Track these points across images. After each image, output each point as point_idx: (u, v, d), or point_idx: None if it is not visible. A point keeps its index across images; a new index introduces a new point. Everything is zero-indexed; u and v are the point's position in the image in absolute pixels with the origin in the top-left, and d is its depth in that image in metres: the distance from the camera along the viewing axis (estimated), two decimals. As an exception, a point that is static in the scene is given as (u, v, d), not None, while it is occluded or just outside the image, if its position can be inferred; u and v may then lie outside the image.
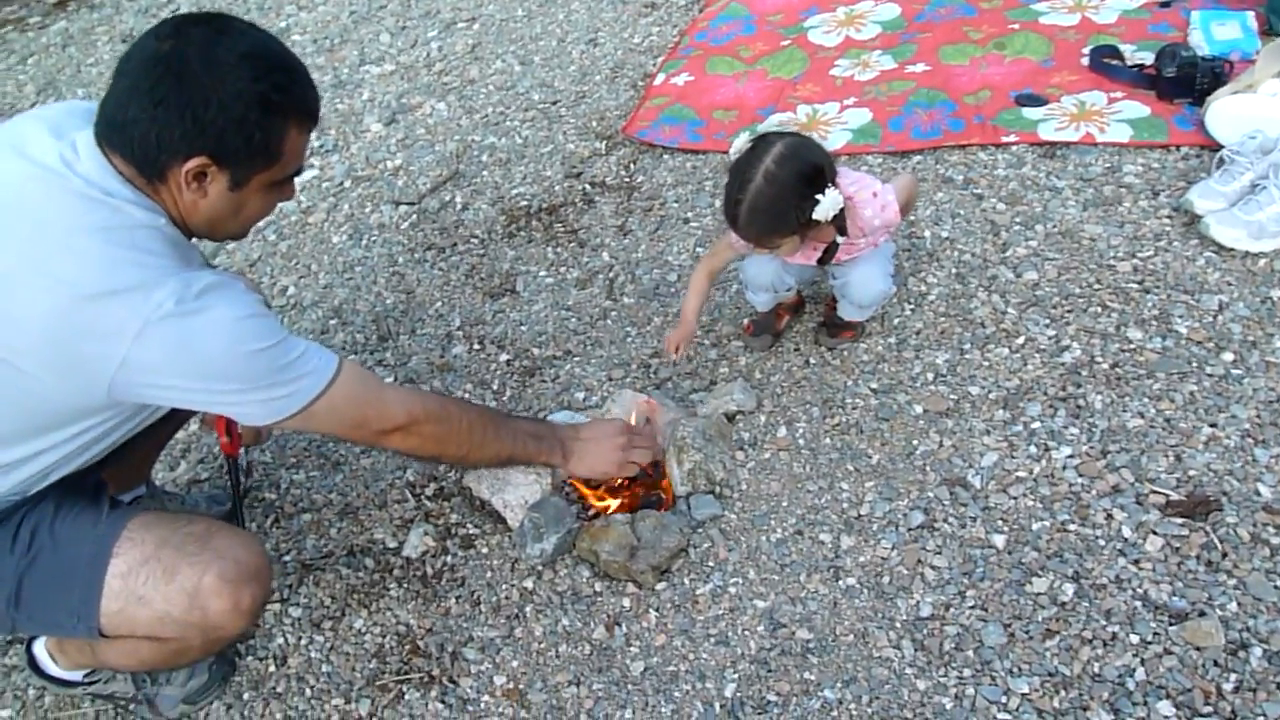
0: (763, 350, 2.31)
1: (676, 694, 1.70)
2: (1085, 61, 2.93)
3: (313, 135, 3.35)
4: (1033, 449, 1.95)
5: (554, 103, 3.40)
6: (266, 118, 1.37)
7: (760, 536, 1.93)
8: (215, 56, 1.33)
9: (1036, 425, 1.99)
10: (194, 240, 1.53)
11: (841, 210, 1.86)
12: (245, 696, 1.83)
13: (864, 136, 2.87)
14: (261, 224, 3.04)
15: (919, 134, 2.82)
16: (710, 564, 1.90)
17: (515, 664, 1.80)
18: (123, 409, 1.44)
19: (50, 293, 1.29)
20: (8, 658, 1.93)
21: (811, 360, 2.27)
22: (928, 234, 2.50)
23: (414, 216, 3.00)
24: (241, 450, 1.87)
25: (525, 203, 2.95)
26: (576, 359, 2.41)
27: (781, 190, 1.81)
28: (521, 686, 1.76)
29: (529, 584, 1.93)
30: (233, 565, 1.52)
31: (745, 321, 2.36)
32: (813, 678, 1.68)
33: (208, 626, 1.52)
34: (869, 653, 1.70)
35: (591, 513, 2.02)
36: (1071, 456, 1.92)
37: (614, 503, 2.02)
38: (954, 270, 2.39)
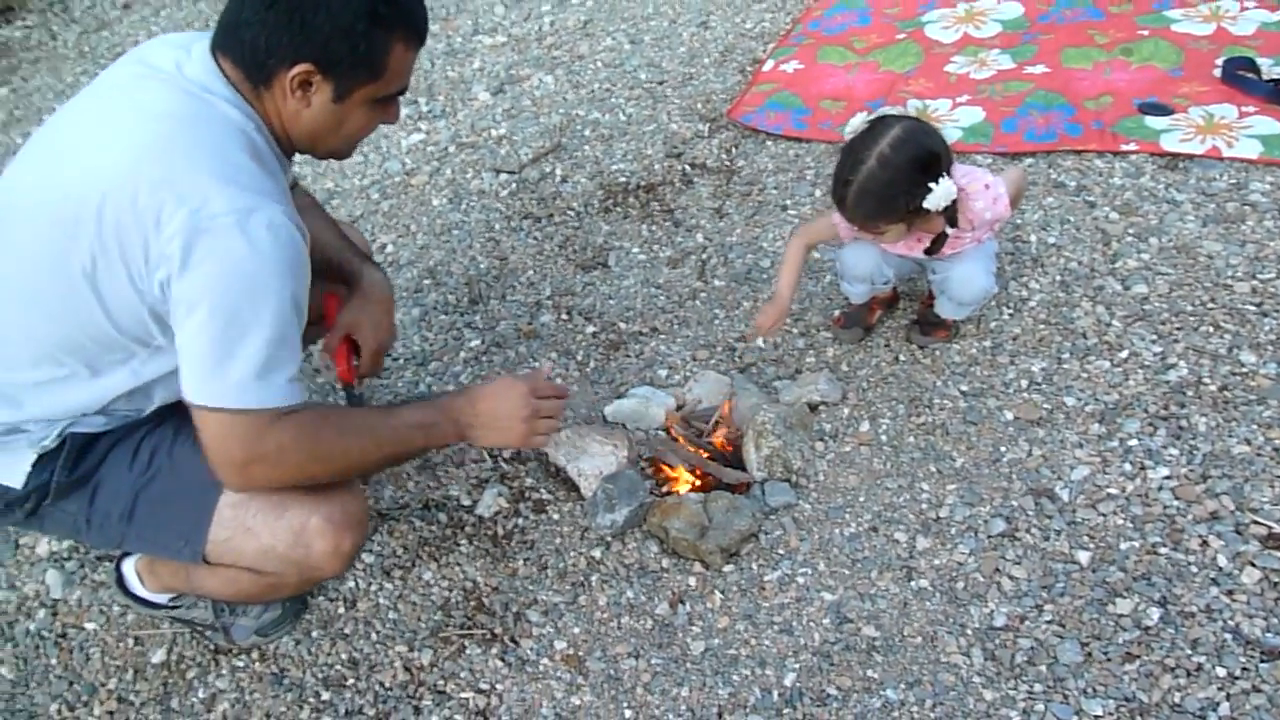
0: (852, 343, 2.26)
1: (735, 677, 1.69)
2: (1218, 73, 2.79)
3: (423, 101, 3.41)
4: (1128, 466, 1.88)
5: (660, 82, 3.40)
6: (373, 30, 1.37)
7: (833, 529, 1.90)
8: None
9: (1134, 443, 1.91)
10: (295, 156, 1.54)
11: (953, 201, 1.81)
12: (314, 634, 1.88)
13: (975, 135, 2.79)
14: (365, 181, 3.13)
15: (1032, 136, 2.73)
16: (780, 552, 1.88)
17: (577, 630, 1.81)
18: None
19: (126, 153, 1.33)
20: (98, 573, 2.02)
21: (901, 357, 2.22)
22: (1033, 239, 2.42)
23: (513, 185, 3.03)
24: (359, 380, 1.89)
25: (624, 179, 2.96)
26: (663, 336, 2.40)
27: (895, 175, 1.77)
28: (581, 654, 1.77)
29: (597, 553, 1.93)
30: (339, 509, 1.56)
31: (836, 313, 2.32)
32: (875, 676, 1.65)
33: (307, 565, 1.57)
34: (936, 657, 1.66)
35: (666, 489, 2.01)
36: (1169, 478, 1.83)
37: (690, 479, 2.01)
38: (1058, 278, 2.31)
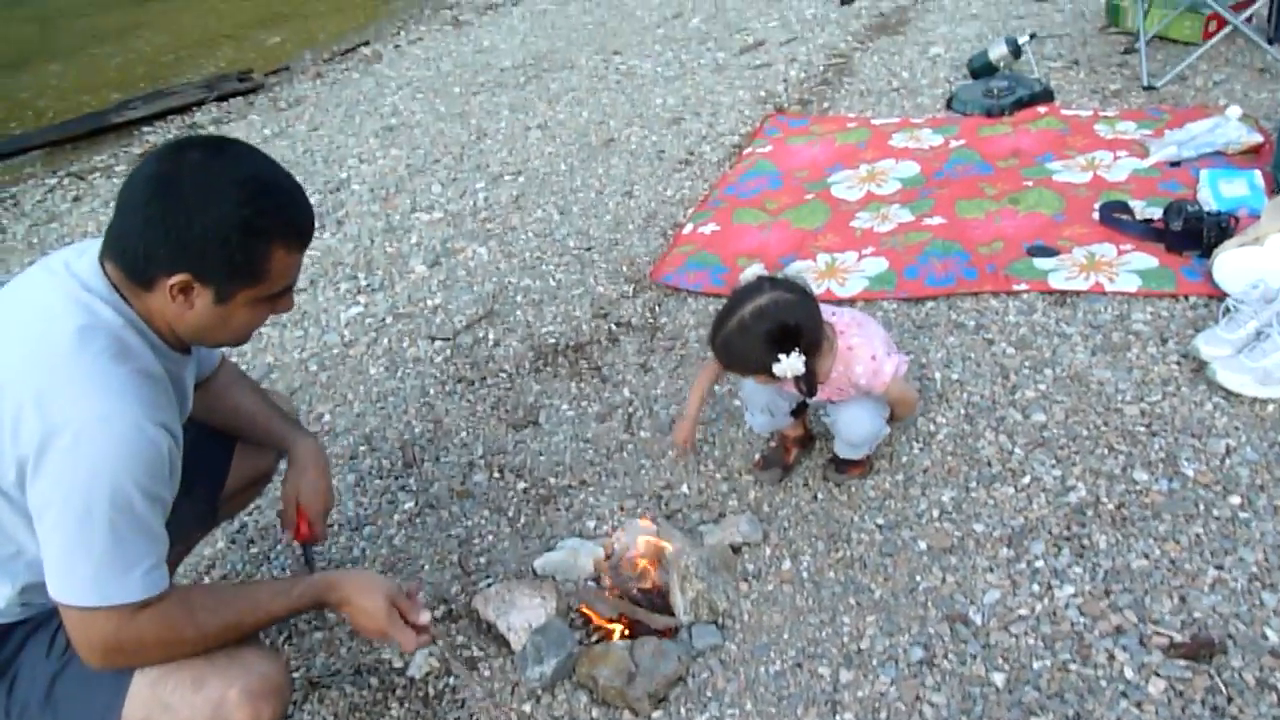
0: (772, 484, 2.35)
1: (665, 827, 1.67)
2: (1096, 216, 3.04)
3: (362, 276, 3.54)
4: (1035, 587, 1.94)
5: (588, 249, 3.59)
6: (249, 240, 1.43)
7: (759, 668, 1.92)
8: (206, 179, 1.41)
9: (1040, 564, 1.99)
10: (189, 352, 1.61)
11: (808, 373, 1.95)
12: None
13: (880, 283, 2.97)
14: (305, 354, 3.23)
15: (933, 281, 2.92)
16: (708, 694, 1.89)
17: (507, 790, 1.79)
18: None
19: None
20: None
21: (819, 495, 2.30)
22: (938, 376, 2.56)
23: (448, 351, 3.14)
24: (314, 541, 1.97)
25: (554, 340, 3.09)
26: (591, 489, 2.47)
27: (750, 341, 1.95)
28: (511, 813, 1.75)
29: (527, 708, 1.93)
30: (258, 679, 1.56)
31: (756, 456, 2.41)
32: (804, 815, 1.64)
33: None
34: (863, 791, 1.66)
35: (595, 639, 2.03)
36: (1075, 595, 1.90)
37: (618, 627, 2.03)
38: (963, 411, 2.43)
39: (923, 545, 2.10)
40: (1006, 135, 3.68)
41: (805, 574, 2.11)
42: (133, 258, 1.44)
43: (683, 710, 1.87)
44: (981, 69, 4.19)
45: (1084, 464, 2.19)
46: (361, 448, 2.79)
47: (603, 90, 5.14)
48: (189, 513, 1.88)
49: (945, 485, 2.23)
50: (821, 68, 4.86)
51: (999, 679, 1.79)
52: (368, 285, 3.64)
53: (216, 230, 1.41)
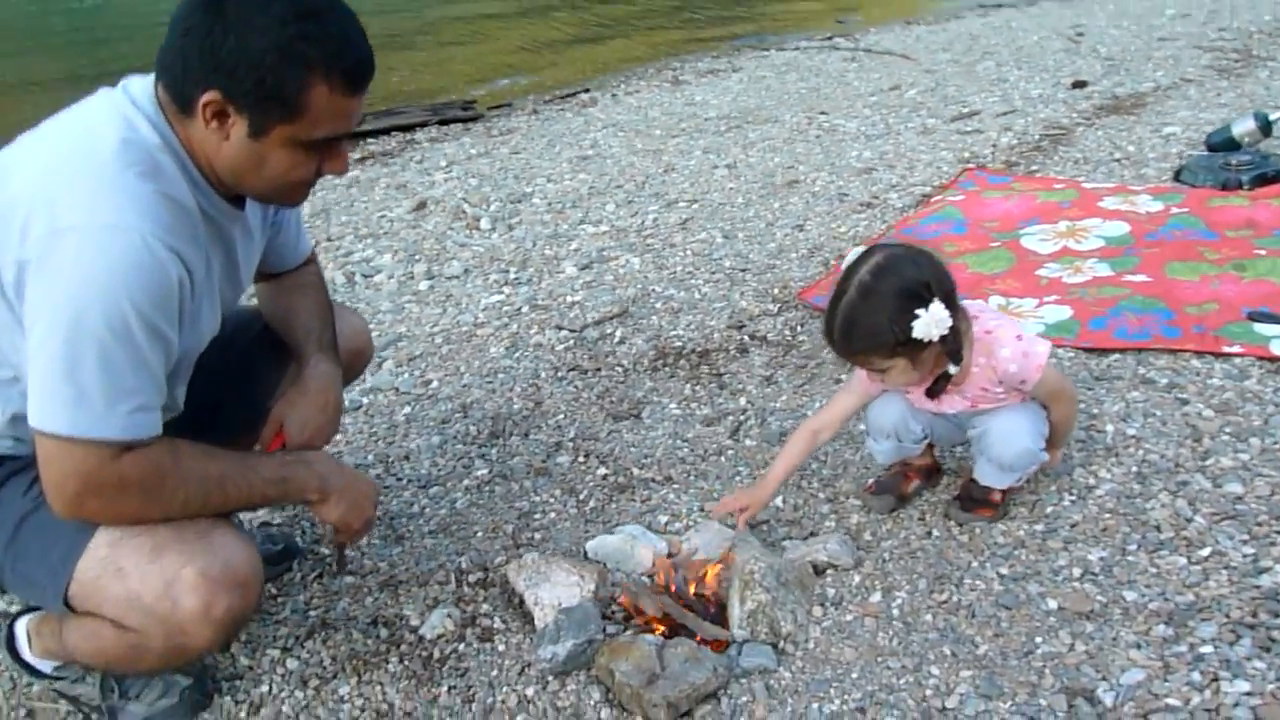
0: (882, 512, 1.98)
1: None
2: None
3: (514, 270, 3.45)
4: (1196, 675, 1.48)
5: (742, 270, 3.36)
6: (284, 64, 1.29)
7: (812, 703, 1.55)
8: None
9: (1207, 649, 1.52)
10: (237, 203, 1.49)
11: (954, 332, 1.60)
12: (205, 734, 1.65)
13: (1059, 330, 2.55)
14: (435, 329, 3.14)
15: (1124, 334, 2.47)
16: (742, 719, 1.54)
17: (482, 774, 1.51)
18: None
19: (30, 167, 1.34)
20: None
21: (935, 532, 1.92)
22: (1110, 429, 2.12)
23: (571, 341, 2.97)
24: None
25: (680, 343, 2.85)
26: (675, 486, 2.18)
27: (878, 304, 1.60)
28: (479, 801, 1.46)
29: (530, 691, 1.65)
30: (219, 565, 1.40)
31: (869, 480, 2.05)
32: None
33: (172, 625, 1.39)
34: None
35: (627, 631, 1.73)
36: (1250, 694, 1.42)
37: (658, 627, 1.72)
38: (1135, 469, 1.98)
39: (1052, 604, 1.67)
40: (1242, 207, 3.16)
41: (896, 611, 1.72)
42: (173, 74, 1.35)
43: (706, 730, 1.53)
44: (1222, 144, 3.68)
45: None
46: (456, 414, 2.64)
47: (799, 141, 4.95)
48: (233, 412, 1.77)
49: (1096, 544, 1.79)
50: (1037, 136, 4.46)
51: (1123, 776, 1.34)
52: (516, 278, 3.56)
53: (251, 46, 1.28)
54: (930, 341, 1.59)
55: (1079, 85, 5.29)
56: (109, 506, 1.37)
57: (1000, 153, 4.30)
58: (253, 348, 1.85)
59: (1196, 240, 2.94)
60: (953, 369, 1.69)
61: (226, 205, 1.48)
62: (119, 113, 1.37)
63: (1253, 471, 1.91)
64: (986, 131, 4.67)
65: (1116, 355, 2.42)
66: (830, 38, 8.07)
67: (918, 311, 1.57)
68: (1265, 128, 3.61)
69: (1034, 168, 4.02)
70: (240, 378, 1.82)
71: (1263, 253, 2.79)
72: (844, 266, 1.69)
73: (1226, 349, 2.32)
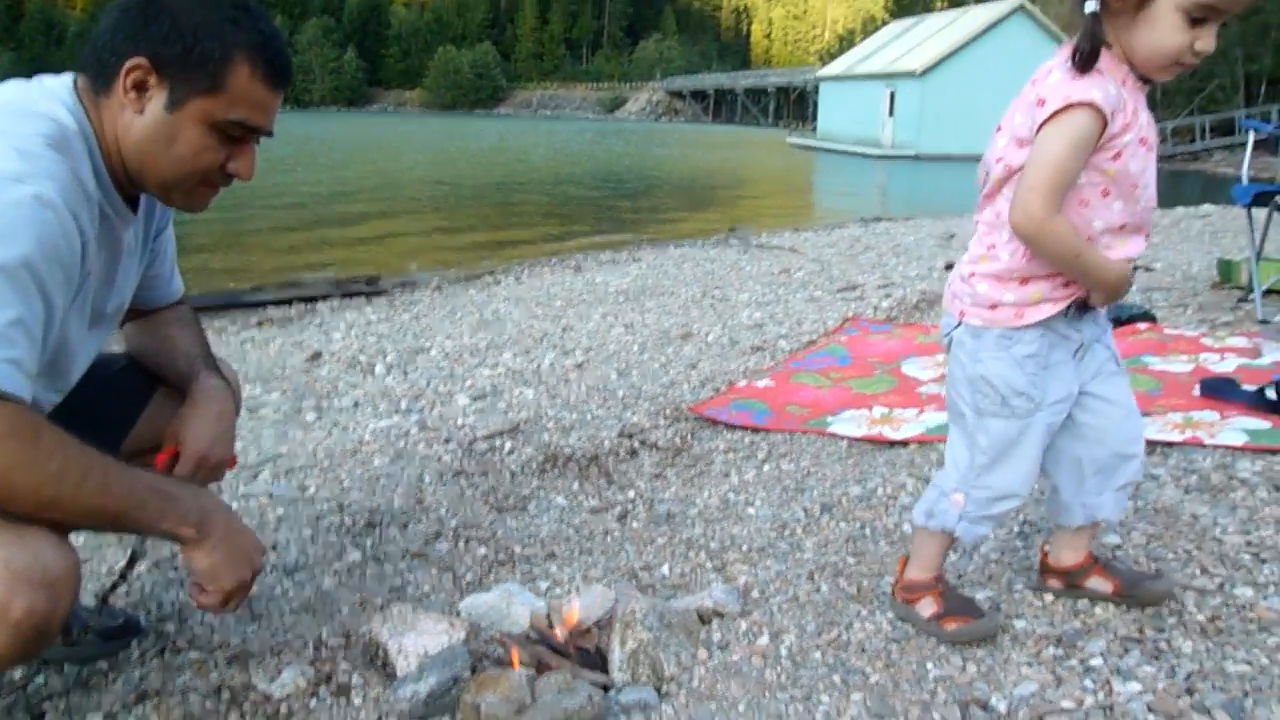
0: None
1: None
2: (1196, 391, 2.65)
3: (405, 402, 3.39)
4: (1089, 683, 1.43)
5: (636, 397, 3.38)
6: (212, 37, 1.35)
7: (696, 732, 1.43)
8: None
9: (1097, 661, 1.48)
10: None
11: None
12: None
13: (939, 430, 2.61)
14: (317, 447, 3.03)
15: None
16: (620, 752, 1.40)
17: (322, 818, 1.31)
18: None
19: None
20: None
21: (824, 587, 1.86)
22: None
23: (459, 452, 2.90)
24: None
25: (570, 451, 2.81)
26: (558, 560, 2.09)
27: None
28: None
29: (386, 737, 1.48)
30: (29, 559, 1.24)
31: (929, 605, 1.64)
32: None
33: None
34: None
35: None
36: (1144, 692, 1.38)
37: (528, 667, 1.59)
38: (1016, 529, 1.98)
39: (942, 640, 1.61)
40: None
41: (785, 651, 1.63)
42: (96, 49, 1.37)
43: (581, 762, 1.38)
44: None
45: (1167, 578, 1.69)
46: (331, 512, 2.50)
47: (694, 308, 5.16)
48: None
49: (983, 587, 1.76)
50: (914, 300, 4.75)
51: (1020, 771, 1.25)
52: (406, 409, 3.50)
53: (183, 19, 1.34)
54: None
55: (950, 267, 5.71)
56: (13, 445, 1.20)
57: (881, 311, 4.55)
58: (114, 381, 1.75)
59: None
60: None
61: (122, 205, 1.46)
62: (31, 100, 1.36)
63: (1129, 527, 1.94)
64: (869, 298, 4.95)
65: (994, 445, 2.48)
66: (725, 238, 8.60)
67: None
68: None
69: (912, 319, 4.25)
70: (103, 412, 1.71)
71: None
72: None
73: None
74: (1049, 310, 1.47)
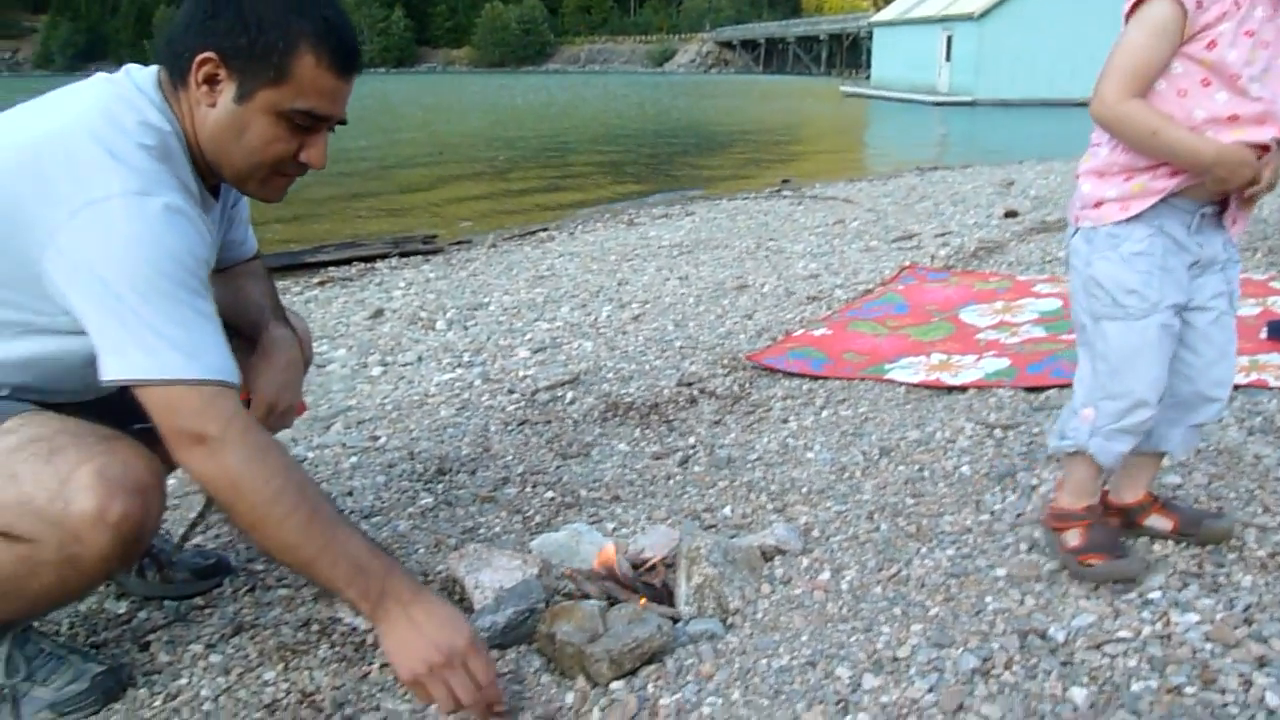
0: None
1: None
2: (1263, 334, 2.61)
3: (468, 354, 3.50)
4: (1146, 614, 1.45)
5: (693, 348, 3.43)
6: (276, 28, 1.37)
7: (761, 660, 1.49)
8: None
9: (1156, 594, 1.50)
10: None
11: None
12: None
13: (998, 375, 2.63)
14: (385, 400, 3.13)
15: (1060, 374, 2.54)
16: (688, 678, 1.47)
17: (411, 737, 1.41)
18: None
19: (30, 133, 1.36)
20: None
21: (884, 526, 1.90)
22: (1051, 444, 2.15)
23: (522, 404, 2.98)
24: None
25: (630, 400, 2.87)
26: (623, 504, 2.16)
27: None
28: (407, 762, 1.36)
29: (467, 663, 1.56)
30: (120, 467, 1.34)
31: (1075, 536, 1.60)
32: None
33: (65, 529, 1.32)
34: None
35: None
36: (1201, 622, 1.40)
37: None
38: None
39: (1001, 572, 1.65)
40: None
41: (845, 586, 1.69)
42: (170, 43, 1.42)
43: (650, 687, 1.45)
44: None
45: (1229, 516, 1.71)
46: (402, 460, 2.60)
47: (748, 260, 5.17)
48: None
49: (1040, 527, 1.79)
50: (972, 249, 4.71)
51: (1079, 695, 1.29)
52: (469, 362, 3.59)
53: (247, 11, 1.37)
54: None
55: (1011, 215, 5.63)
56: (246, 452, 1.32)
57: (939, 261, 4.52)
58: None
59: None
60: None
61: (208, 195, 1.53)
62: (126, 100, 1.41)
63: (1191, 468, 1.94)
64: (925, 248, 4.91)
65: (1053, 391, 2.48)
66: (778, 190, 8.54)
67: None
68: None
69: (970, 268, 4.22)
70: None
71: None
72: None
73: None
74: (1153, 199, 1.45)
